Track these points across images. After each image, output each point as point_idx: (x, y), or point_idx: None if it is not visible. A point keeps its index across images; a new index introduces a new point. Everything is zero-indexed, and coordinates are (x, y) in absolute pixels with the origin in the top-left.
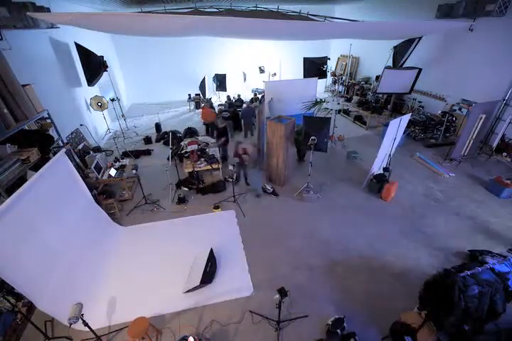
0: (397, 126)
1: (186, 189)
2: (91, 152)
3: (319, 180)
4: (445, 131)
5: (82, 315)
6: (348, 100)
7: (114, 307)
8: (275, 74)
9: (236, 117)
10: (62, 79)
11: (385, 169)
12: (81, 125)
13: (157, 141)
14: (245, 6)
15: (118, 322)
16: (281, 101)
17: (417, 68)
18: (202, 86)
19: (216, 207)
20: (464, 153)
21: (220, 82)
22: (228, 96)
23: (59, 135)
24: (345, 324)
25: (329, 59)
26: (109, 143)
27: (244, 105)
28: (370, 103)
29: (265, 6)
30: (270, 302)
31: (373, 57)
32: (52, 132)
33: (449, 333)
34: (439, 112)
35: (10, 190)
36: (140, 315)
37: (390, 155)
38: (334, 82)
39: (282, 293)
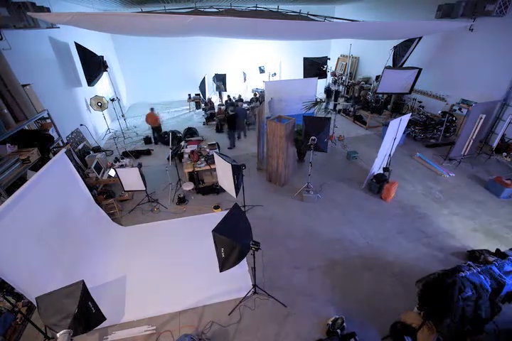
0: (397, 126)
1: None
2: (91, 152)
3: (319, 180)
4: (445, 131)
5: (72, 339)
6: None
7: (113, 307)
8: (275, 74)
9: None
10: (63, 79)
11: (385, 169)
12: (81, 125)
13: (157, 140)
14: (245, 6)
15: (118, 322)
16: (281, 101)
17: (417, 68)
18: (202, 86)
19: (216, 207)
20: (463, 153)
21: (220, 82)
22: (229, 96)
23: (59, 135)
24: (345, 324)
25: (329, 59)
26: (109, 143)
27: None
28: (370, 103)
29: (265, 6)
30: (271, 302)
31: (373, 57)
32: (52, 132)
33: (449, 333)
34: (439, 112)
35: (10, 190)
36: (140, 315)
37: (390, 155)
38: (334, 82)
39: (256, 244)
